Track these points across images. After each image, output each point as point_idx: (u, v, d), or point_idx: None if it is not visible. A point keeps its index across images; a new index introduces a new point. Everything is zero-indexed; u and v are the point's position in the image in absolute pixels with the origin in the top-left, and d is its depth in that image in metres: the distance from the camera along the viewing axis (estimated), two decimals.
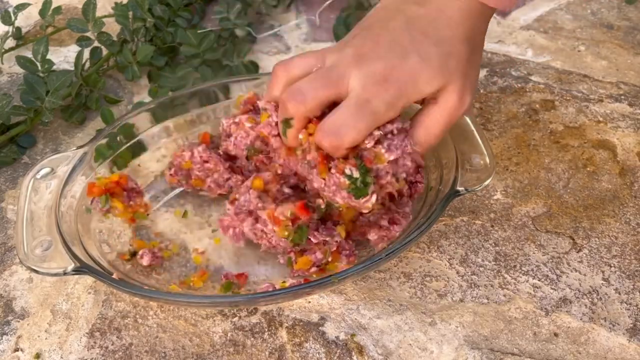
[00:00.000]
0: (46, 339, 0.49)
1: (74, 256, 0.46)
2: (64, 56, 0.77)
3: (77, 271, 0.46)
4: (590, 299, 0.51)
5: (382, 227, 0.50)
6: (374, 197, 0.46)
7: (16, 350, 0.49)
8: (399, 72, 0.45)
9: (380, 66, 0.45)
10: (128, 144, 0.57)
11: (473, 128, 0.53)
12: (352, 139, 0.45)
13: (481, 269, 0.53)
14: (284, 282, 0.50)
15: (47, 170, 0.52)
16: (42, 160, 0.53)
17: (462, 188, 0.49)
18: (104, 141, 0.55)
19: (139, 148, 0.58)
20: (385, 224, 0.50)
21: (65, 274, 0.46)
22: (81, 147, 0.54)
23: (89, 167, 0.54)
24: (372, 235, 0.50)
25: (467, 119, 0.53)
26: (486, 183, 0.49)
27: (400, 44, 0.46)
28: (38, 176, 0.52)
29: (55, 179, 0.52)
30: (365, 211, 0.48)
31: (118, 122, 0.56)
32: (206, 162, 0.55)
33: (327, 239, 0.49)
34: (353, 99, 0.45)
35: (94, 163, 0.54)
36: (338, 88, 0.46)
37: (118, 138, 0.56)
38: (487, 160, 0.50)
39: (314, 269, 0.49)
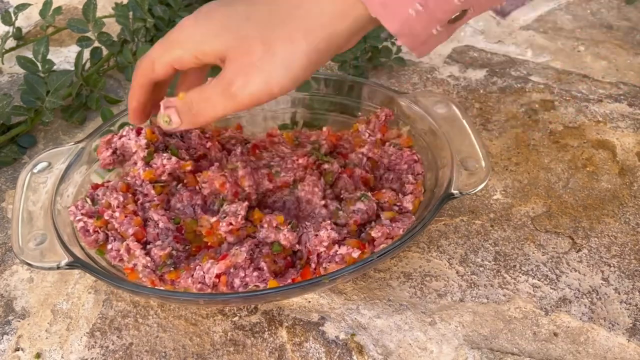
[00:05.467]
0: (47, 338, 0.49)
1: (68, 251, 0.46)
2: (64, 56, 0.77)
3: (71, 265, 0.46)
4: (589, 299, 0.51)
5: (384, 225, 0.50)
6: None
7: (17, 349, 0.49)
8: (180, 27, 0.43)
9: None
10: None
11: (469, 130, 0.53)
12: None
13: (481, 268, 0.53)
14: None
15: (44, 164, 0.52)
16: (39, 154, 0.53)
17: (457, 191, 0.49)
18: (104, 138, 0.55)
19: None
20: (387, 222, 0.50)
21: (58, 268, 0.46)
22: (79, 142, 0.54)
23: (86, 163, 0.54)
24: (376, 233, 0.50)
25: (464, 121, 0.53)
26: (480, 187, 0.49)
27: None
28: (35, 170, 0.52)
29: (52, 175, 0.52)
30: None
31: (116, 119, 0.56)
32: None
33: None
34: None
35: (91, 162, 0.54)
36: None
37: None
38: (483, 163, 0.50)
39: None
